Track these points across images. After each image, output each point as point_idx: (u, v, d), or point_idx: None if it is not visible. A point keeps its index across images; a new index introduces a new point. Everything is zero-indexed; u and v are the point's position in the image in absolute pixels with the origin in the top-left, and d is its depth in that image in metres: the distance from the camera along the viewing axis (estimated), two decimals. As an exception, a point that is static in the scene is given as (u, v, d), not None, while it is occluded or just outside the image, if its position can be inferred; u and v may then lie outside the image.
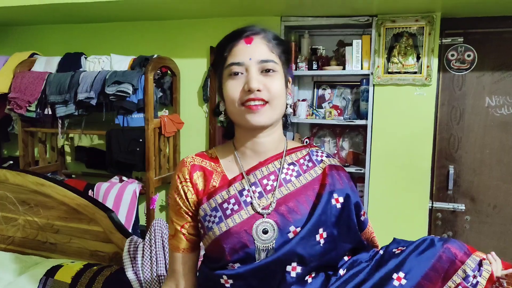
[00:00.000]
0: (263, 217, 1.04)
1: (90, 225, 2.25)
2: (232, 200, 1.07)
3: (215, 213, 1.07)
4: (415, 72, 2.54)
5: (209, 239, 1.07)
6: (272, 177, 1.10)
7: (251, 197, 1.07)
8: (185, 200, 1.11)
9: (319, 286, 1.07)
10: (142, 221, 2.99)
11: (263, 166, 1.11)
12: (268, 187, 1.09)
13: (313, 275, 1.08)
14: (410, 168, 2.58)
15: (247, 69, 1.03)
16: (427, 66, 2.51)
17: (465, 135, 2.62)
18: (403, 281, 1.05)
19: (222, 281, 1.05)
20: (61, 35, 3.33)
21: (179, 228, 1.13)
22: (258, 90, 1.02)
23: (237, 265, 1.04)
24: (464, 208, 2.64)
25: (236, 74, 1.03)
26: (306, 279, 1.05)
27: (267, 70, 1.03)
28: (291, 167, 1.13)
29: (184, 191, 1.11)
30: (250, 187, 1.08)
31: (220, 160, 1.15)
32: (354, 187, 1.17)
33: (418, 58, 2.53)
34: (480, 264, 1.09)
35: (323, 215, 1.06)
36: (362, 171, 2.71)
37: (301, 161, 1.15)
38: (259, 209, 1.05)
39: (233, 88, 1.04)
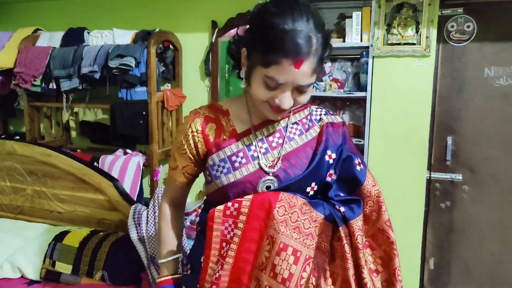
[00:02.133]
0: (269, 175, 1.14)
1: (96, 194, 2.33)
2: (241, 154, 1.15)
3: (224, 163, 1.15)
4: (415, 44, 2.55)
5: (215, 186, 1.17)
6: (278, 134, 1.19)
7: (258, 152, 1.15)
8: (193, 148, 1.20)
9: None
10: (146, 193, 3.06)
11: (270, 125, 1.20)
12: (274, 144, 1.18)
13: None
14: (409, 139, 2.61)
15: (284, 87, 1.03)
16: (427, 37, 2.52)
17: (465, 106, 2.63)
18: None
19: None
20: (64, 10, 3.35)
21: (180, 167, 1.23)
22: None
23: None
24: (462, 178, 2.67)
25: (270, 86, 1.03)
26: None
27: (302, 91, 1.05)
28: (295, 126, 1.21)
29: (194, 141, 1.19)
30: (257, 142, 1.17)
31: (231, 113, 1.21)
32: (350, 141, 1.25)
33: (417, 29, 2.54)
34: None
35: (315, 170, 1.15)
36: (362, 143, 2.74)
37: (304, 120, 1.23)
38: (266, 169, 1.14)
39: (263, 93, 1.05)
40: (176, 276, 1.28)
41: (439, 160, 2.72)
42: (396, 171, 2.66)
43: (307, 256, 1.08)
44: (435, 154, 2.72)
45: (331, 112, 1.28)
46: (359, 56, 2.81)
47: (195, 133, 1.19)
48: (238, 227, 1.10)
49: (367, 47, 2.66)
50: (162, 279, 1.27)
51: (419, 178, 2.63)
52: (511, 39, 2.52)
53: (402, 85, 2.59)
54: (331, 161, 1.18)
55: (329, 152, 1.18)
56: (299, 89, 1.04)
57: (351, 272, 1.11)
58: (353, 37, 2.69)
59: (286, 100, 1.04)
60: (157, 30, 2.84)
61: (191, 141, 1.19)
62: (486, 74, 2.59)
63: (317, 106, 1.28)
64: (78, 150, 3.40)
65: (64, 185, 2.39)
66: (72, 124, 3.47)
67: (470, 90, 2.62)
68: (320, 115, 1.24)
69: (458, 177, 2.67)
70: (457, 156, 2.69)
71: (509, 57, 2.53)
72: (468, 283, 2.74)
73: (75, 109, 3.33)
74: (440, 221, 2.76)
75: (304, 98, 1.08)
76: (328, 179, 1.18)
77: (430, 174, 2.72)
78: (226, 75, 3.02)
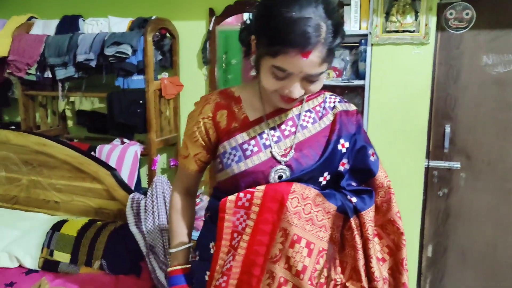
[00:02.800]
0: (281, 164, 1.12)
1: (94, 183, 2.31)
2: (253, 142, 1.13)
3: (235, 152, 1.13)
4: (413, 31, 2.54)
5: (226, 174, 1.15)
6: (290, 123, 1.17)
7: (270, 140, 1.13)
8: (205, 135, 1.18)
9: None
10: (144, 183, 3.04)
11: (283, 113, 1.17)
12: (286, 132, 1.15)
13: None
14: (407, 128, 2.61)
15: (293, 77, 1.00)
16: (425, 25, 2.51)
17: (462, 93, 2.64)
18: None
19: None
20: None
21: (192, 154, 1.22)
22: None
23: None
24: (459, 166, 2.68)
25: (279, 76, 1.00)
26: None
27: (312, 80, 1.02)
28: (308, 113, 1.19)
29: (205, 127, 1.17)
30: (269, 131, 1.14)
31: (243, 100, 1.19)
32: (363, 130, 1.24)
33: (416, 17, 2.53)
34: None
35: (328, 160, 1.13)
36: (360, 131, 2.74)
37: (317, 108, 1.20)
38: (278, 157, 1.12)
39: (272, 83, 1.02)
40: (186, 266, 1.27)
41: (437, 147, 2.73)
42: (395, 159, 2.65)
43: (321, 249, 1.08)
44: (433, 142, 2.73)
45: (345, 100, 1.25)
46: (357, 44, 2.80)
47: (206, 120, 1.17)
48: (251, 218, 1.09)
49: (366, 35, 2.64)
50: (173, 268, 1.26)
51: (418, 166, 2.64)
52: (508, 27, 2.51)
53: (401, 73, 2.58)
54: (344, 150, 1.16)
55: (342, 141, 1.16)
56: (309, 79, 1.01)
57: (361, 262, 1.11)
58: (352, 25, 2.67)
59: (295, 90, 1.02)
60: (154, 17, 2.81)
61: (202, 128, 1.17)
62: (484, 61, 2.59)
63: (331, 93, 1.25)
64: (75, 140, 3.37)
65: (61, 174, 2.37)
66: (68, 113, 3.44)
67: (468, 78, 2.62)
68: (334, 102, 1.22)
69: (456, 165, 2.68)
70: (454, 143, 2.69)
71: (506, 45, 2.53)
72: (464, 268, 2.76)
73: (71, 98, 3.29)
74: (438, 208, 2.78)
75: (316, 87, 1.05)
76: (341, 168, 1.17)
77: (428, 162, 2.73)
78: (224, 64, 2.99)
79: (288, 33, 0.93)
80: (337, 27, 1.00)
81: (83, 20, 3.00)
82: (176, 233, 1.29)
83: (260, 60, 1.03)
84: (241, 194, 1.10)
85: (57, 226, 2.12)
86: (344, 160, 1.16)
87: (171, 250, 1.28)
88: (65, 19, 3.02)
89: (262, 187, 1.10)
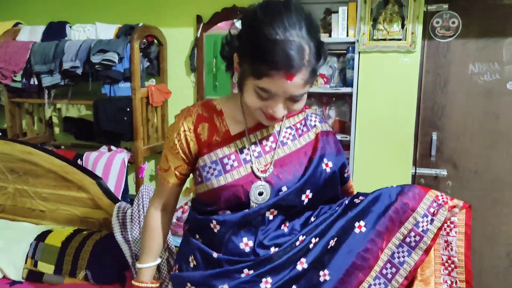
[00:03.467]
0: (260, 180, 1.11)
1: (79, 192, 2.29)
2: (233, 157, 1.13)
3: (215, 166, 1.13)
4: (400, 39, 2.55)
5: (205, 187, 1.15)
6: (271, 138, 1.17)
7: (250, 156, 1.13)
8: (186, 147, 1.17)
9: (292, 227, 1.16)
10: (132, 190, 3.02)
11: (265, 128, 1.17)
12: (267, 148, 1.16)
13: (287, 224, 1.16)
14: (394, 135, 2.62)
15: (277, 98, 1.00)
16: (412, 33, 2.52)
17: (449, 102, 2.65)
18: (363, 229, 1.16)
19: (211, 225, 1.14)
20: (45, 3, 3.28)
21: (173, 167, 1.21)
22: None
23: (227, 212, 1.13)
24: (446, 173, 2.69)
25: (263, 96, 1.00)
26: (281, 222, 1.15)
27: (295, 100, 1.03)
28: (288, 130, 1.20)
29: (186, 140, 1.16)
30: (251, 146, 1.15)
31: (225, 113, 1.18)
32: (341, 148, 1.26)
33: (403, 25, 2.54)
34: (435, 206, 1.19)
35: (312, 178, 1.14)
36: (347, 139, 2.75)
37: (298, 125, 1.21)
38: (258, 173, 1.12)
39: (255, 102, 1.02)
40: (151, 285, 1.27)
41: (424, 155, 2.74)
42: (382, 167, 2.67)
43: None
44: (420, 150, 2.74)
45: (324, 120, 1.28)
46: (345, 51, 2.81)
47: (187, 132, 1.16)
48: None
49: (353, 43, 2.65)
50: (137, 284, 1.26)
51: (405, 174, 2.65)
52: (494, 36, 2.53)
53: (388, 81, 2.59)
54: (328, 170, 1.17)
55: (325, 160, 1.17)
56: (292, 99, 1.01)
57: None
58: (339, 32, 2.68)
59: (279, 110, 1.02)
60: (141, 24, 2.80)
61: (183, 140, 1.16)
62: (470, 70, 2.60)
63: (312, 112, 1.27)
64: (62, 147, 3.35)
65: (46, 183, 2.35)
66: (55, 120, 3.41)
67: (455, 86, 2.63)
68: (315, 121, 1.24)
69: (443, 172, 2.69)
70: (441, 151, 2.70)
71: (493, 53, 2.54)
72: (452, 277, 2.77)
73: (58, 105, 3.27)
74: None
75: (299, 106, 1.05)
76: (345, 175, 1.28)
77: (415, 169, 2.74)
78: (214, 69, 2.98)
79: (272, 56, 0.93)
80: (320, 48, 1.00)
81: (70, 27, 2.98)
82: (147, 249, 1.28)
83: (244, 79, 1.03)
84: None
85: (42, 237, 2.09)
86: (346, 169, 1.26)
87: (139, 265, 1.27)
88: (51, 25, 3.00)
89: None
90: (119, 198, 2.71)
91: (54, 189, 2.34)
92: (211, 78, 2.98)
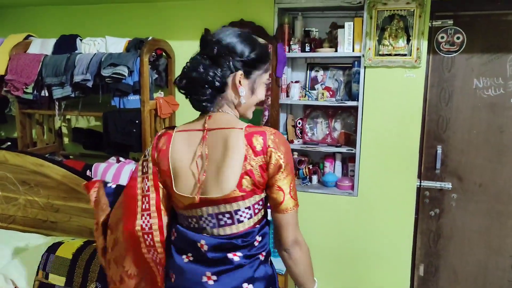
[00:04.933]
0: None
1: (89, 204, 2.31)
2: None
3: None
4: (405, 55, 2.58)
5: None
6: None
7: None
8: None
9: None
10: (139, 200, 3.05)
11: None
12: None
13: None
14: (400, 148, 2.65)
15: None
16: (417, 49, 2.56)
17: (454, 116, 2.68)
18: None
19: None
20: (56, 17, 3.34)
21: None
22: None
23: None
24: (451, 186, 2.72)
25: (267, 84, 1.49)
26: None
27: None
28: None
29: None
30: None
31: None
32: None
33: (408, 40, 2.57)
34: None
35: None
36: (353, 151, 2.78)
37: None
38: None
39: (264, 93, 1.41)
40: None
41: (428, 168, 2.76)
42: (387, 180, 2.70)
43: None
44: (425, 163, 2.76)
45: None
46: (351, 65, 2.84)
47: None
48: None
49: (359, 57, 2.69)
50: None
51: (410, 187, 2.68)
52: (498, 51, 2.56)
53: (393, 95, 2.63)
54: None
55: None
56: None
57: None
58: (345, 47, 2.72)
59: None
60: (150, 38, 2.84)
61: None
62: (475, 84, 2.63)
63: None
64: (71, 157, 3.40)
65: (57, 194, 2.39)
66: (64, 130, 3.46)
67: (459, 101, 2.66)
68: None
69: (448, 185, 2.72)
70: (445, 164, 2.73)
71: (497, 68, 2.57)
72: (457, 289, 2.79)
73: (68, 116, 3.31)
74: (429, 228, 2.80)
75: None
76: None
77: (420, 182, 2.76)
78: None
79: (268, 56, 1.37)
80: None
81: (80, 40, 3.02)
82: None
83: (256, 81, 1.33)
84: None
85: (53, 248, 2.13)
86: None
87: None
88: (62, 38, 3.05)
89: None
90: (128, 209, 2.76)
91: (64, 200, 2.38)
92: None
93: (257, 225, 1.26)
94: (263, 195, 1.26)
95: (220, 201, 1.20)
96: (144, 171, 1.31)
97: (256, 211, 1.25)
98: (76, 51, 2.96)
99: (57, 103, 2.94)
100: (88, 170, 2.88)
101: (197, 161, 1.23)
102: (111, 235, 1.38)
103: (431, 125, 2.72)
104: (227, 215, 1.22)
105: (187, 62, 1.31)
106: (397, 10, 2.56)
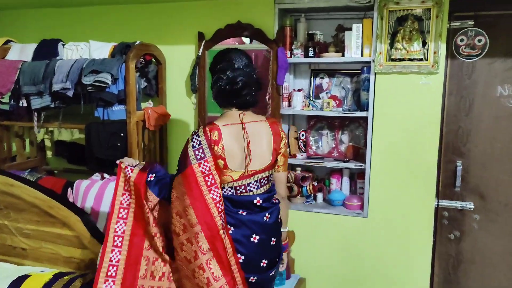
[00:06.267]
0: None
1: (64, 229, 2.07)
2: None
3: None
4: (421, 59, 2.32)
5: None
6: None
7: None
8: None
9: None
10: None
11: None
12: None
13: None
14: (415, 164, 2.41)
15: None
16: (434, 52, 2.29)
17: (475, 127, 2.42)
18: None
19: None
20: (38, 20, 3.13)
21: None
22: None
23: None
24: (473, 206, 2.45)
25: None
26: None
27: None
28: None
29: None
30: None
31: None
32: None
33: (424, 43, 2.32)
34: None
35: None
36: (362, 167, 2.51)
37: None
38: None
39: None
40: None
41: (447, 186, 2.51)
42: (401, 199, 2.47)
43: None
44: (443, 180, 2.51)
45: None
46: (359, 71, 2.59)
47: None
48: None
49: (369, 63, 2.44)
50: None
51: (426, 206, 2.43)
52: (526, 55, 2.30)
53: (407, 104, 2.39)
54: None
55: None
56: None
57: None
58: (353, 51, 2.48)
59: None
60: (138, 42, 2.59)
61: None
62: (499, 92, 2.38)
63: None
64: (56, 172, 3.15)
65: (29, 218, 2.12)
66: (47, 143, 3.20)
67: (481, 110, 2.43)
68: None
69: (469, 205, 2.45)
70: (466, 181, 2.48)
71: (524, 74, 2.31)
72: (480, 322, 2.50)
73: (50, 128, 3.06)
74: (448, 252, 2.55)
75: None
76: None
77: (438, 201, 2.50)
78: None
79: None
80: None
81: (63, 45, 2.78)
82: None
83: None
84: None
85: (17, 284, 1.85)
86: None
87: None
88: (43, 43, 2.81)
89: None
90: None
91: (37, 225, 2.12)
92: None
93: (273, 182, 1.84)
94: None
95: (261, 171, 1.72)
96: (199, 157, 1.62)
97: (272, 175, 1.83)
98: (57, 57, 2.71)
99: (36, 114, 2.69)
100: (70, 188, 2.63)
101: (245, 146, 1.67)
102: (180, 220, 1.63)
103: (450, 138, 2.47)
104: (265, 179, 1.76)
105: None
106: (411, 9, 2.31)
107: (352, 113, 2.52)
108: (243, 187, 1.69)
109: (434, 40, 2.29)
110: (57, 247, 2.09)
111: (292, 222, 2.63)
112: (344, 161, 2.59)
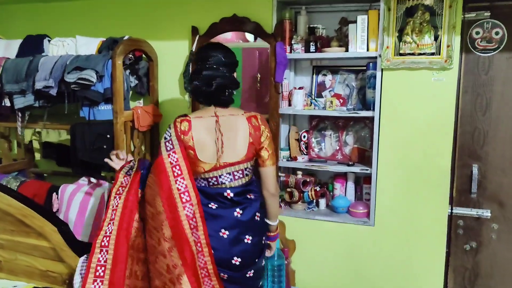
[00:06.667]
0: None
1: (39, 240, 1.91)
2: None
3: None
4: (433, 53, 2.13)
5: None
6: None
7: None
8: None
9: None
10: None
11: None
12: None
13: None
14: (426, 168, 2.24)
15: None
16: (447, 46, 2.10)
17: (492, 128, 2.25)
18: None
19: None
20: (25, 15, 2.98)
21: None
22: None
23: None
24: (490, 214, 2.28)
25: None
26: None
27: None
28: None
29: None
30: None
31: None
32: None
33: (436, 36, 2.12)
34: None
35: None
36: (368, 171, 2.34)
37: None
38: None
39: None
40: None
41: (462, 192, 2.34)
42: (411, 206, 2.30)
43: None
44: (458, 186, 2.35)
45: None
46: (364, 67, 2.41)
47: None
48: None
49: (375, 58, 2.27)
50: None
51: (439, 214, 2.27)
52: (550, 48, 2.10)
53: (418, 103, 2.23)
54: None
55: None
56: None
57: None
58: (358, 46, 2.31)
59: None
60: (126, 37, 2.42)
61: None
62: (519, 89, 2.17)
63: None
64: (45, 175, 3.01)
65: (2, 227, 1.96)
66: (36, 145, 3.05)
67: (499, 109, 2.26)
68: None
69: (486, 213, 2.27)
70: (483, 187, 2.31)
71: (548, 69, 2.11)
72: None
73: (38, 129, 2.90)
74: (464, 265, 2.38)
75: None
76: None
77: (452, 209, 2.32)
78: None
79: None
80: None
81: (49, 40, 2.63)
82: None
83: None
84: None
85: (-17, 301, 1.70)
86: None
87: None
88: (28, 39, 2.68)
89: None
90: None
91: (11, 234, 1.96)
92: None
93: (253, 177, 1.84)
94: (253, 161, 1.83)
95: (235, 164, 1.74)
96: (169, 148, 1.69)
97: (252, 168, 1.82)
98: (42, 54, 2.55)
99: (19, 113, 2.53)
100: (55, 193, 2.47)
101: (216, 138, 1.71)
102: (151, 209, 1.71)
103: (465, 140, 2.30)
104: (240, 173, 1.76)
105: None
106: (422, -1, 2.11)
107: (357, 113, 2.34)
108: (214, 178, 1.73)
109: (447, 33, 2.10)
110: (33, 259, 1.92)
111: (292, 230, 2.47)
112: (349, 165, 2.41)
